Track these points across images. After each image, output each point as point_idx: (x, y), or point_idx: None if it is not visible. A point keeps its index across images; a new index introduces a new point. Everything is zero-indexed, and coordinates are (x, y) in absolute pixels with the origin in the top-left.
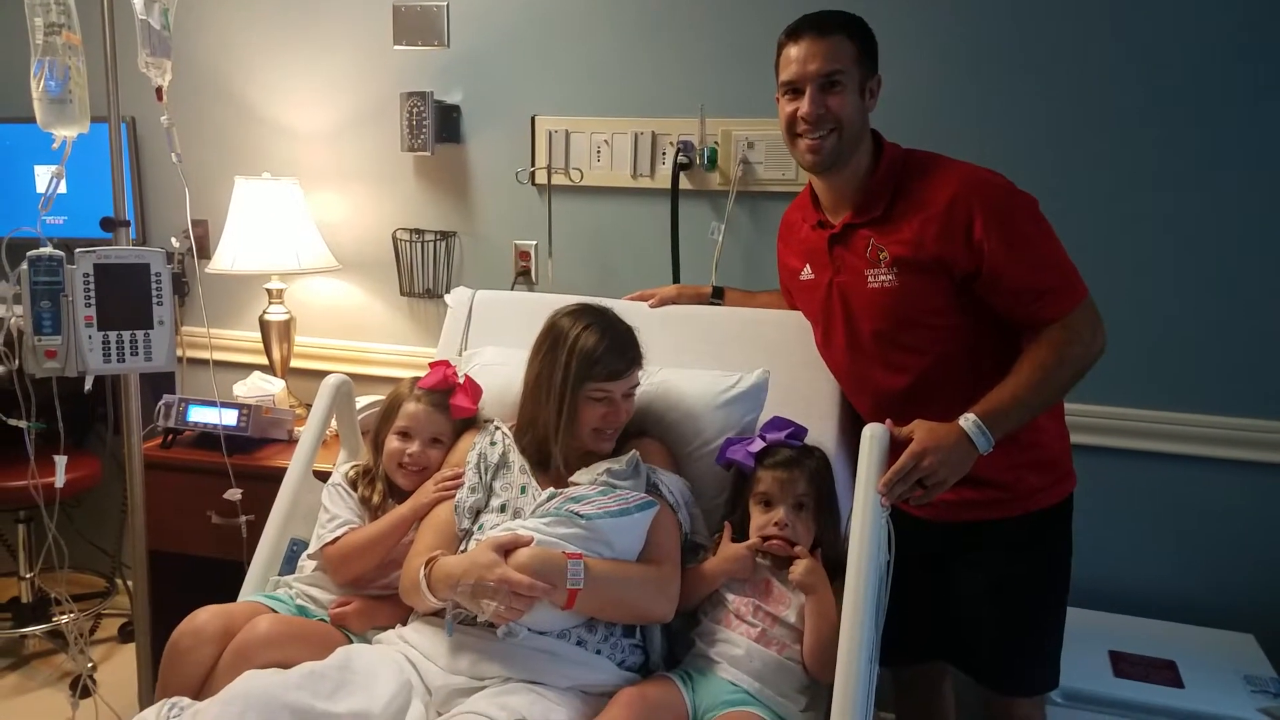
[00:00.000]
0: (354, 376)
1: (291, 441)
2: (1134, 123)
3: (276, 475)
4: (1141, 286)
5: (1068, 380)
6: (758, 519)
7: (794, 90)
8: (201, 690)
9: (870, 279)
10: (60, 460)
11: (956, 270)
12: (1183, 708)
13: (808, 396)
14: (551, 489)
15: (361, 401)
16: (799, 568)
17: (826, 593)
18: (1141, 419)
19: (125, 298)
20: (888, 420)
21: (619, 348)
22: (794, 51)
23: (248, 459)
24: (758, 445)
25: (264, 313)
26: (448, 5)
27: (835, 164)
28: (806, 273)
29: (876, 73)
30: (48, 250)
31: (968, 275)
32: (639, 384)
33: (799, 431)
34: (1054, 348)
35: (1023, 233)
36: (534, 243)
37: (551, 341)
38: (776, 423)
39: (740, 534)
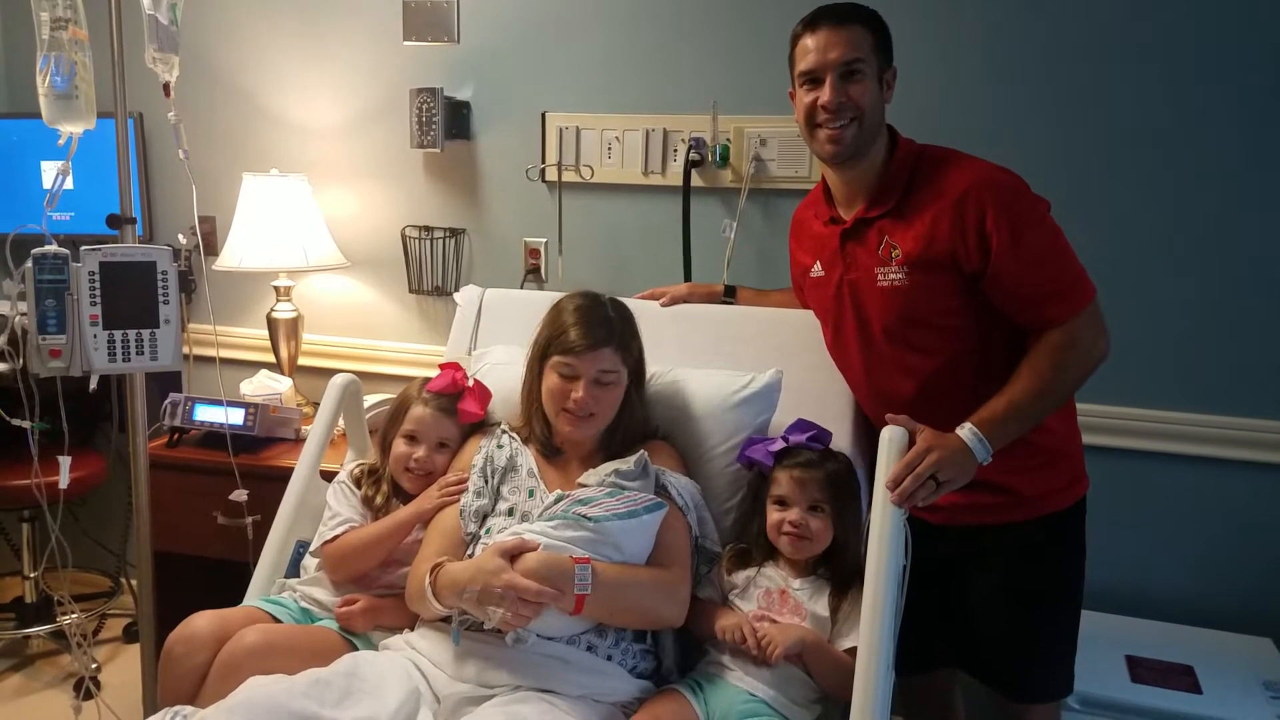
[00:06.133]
0: (362, 375)
1: (299, 441)
2: (1153, 119)
3: (283, 475)
4: (1159, 285)
5: (1068, 387)
6: (773, 517)
7: (813, 80)
8: (196, 696)
9: (880, 278)
10: (64, 461)
11: (965, 268)
12: (1201, 714)
13: (822, 397)
14: (559, 491)
15: (370, 400)
16: (776, 651)
17: (817, 646)
18: (1158, 420)
19: (131, 296)
20: (895, 415)
21: (590, 323)
22: (812, 41)
23: (254, 459)
24: (778, 445)
25: (271, 310)
26: (458, 1)
27: (855, 154)
28: (817, 269)
29: (892, 64)
30: (53, 248)
31: (975, 273)
32: (619, 373)
33: (823, 435)
34: (1052, 354)
35: (1032, 234)
36: (544, 240)
37: (545, 315)
38: (800, 425)
39: (758, 538)
